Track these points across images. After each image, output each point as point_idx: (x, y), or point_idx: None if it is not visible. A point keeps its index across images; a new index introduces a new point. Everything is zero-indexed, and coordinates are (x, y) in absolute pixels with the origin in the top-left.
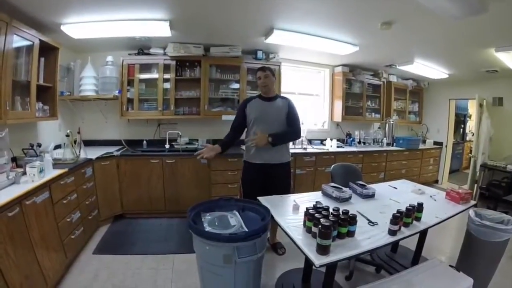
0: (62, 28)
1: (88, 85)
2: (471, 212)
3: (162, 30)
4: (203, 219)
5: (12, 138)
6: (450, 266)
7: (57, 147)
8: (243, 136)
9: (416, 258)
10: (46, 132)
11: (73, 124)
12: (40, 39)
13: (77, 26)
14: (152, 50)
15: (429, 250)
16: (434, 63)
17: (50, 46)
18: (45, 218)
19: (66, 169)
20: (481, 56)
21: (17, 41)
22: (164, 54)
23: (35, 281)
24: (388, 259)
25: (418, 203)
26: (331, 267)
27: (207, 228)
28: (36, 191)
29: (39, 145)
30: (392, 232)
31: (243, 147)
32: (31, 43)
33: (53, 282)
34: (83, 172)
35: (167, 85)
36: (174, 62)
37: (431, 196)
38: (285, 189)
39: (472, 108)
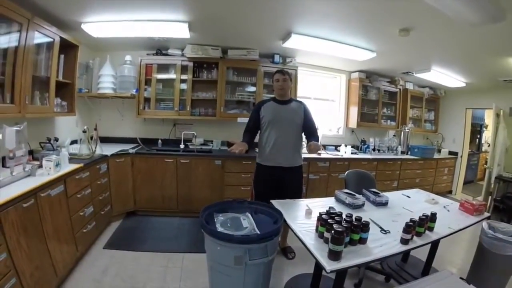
0: (83, 26)
1: (106, 83)
2: (484, 224)
3: (181, 31)
4: (215, 220)
5: (30, 131)
6: (460, 278)
7: (74, 142)
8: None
9: (427, 268)
10: (63, 127)
11: (90, 120)
12: (60, 37)
13: (97, 25)
14: (170, 51)
15: (440, 261)
16: (451, 71)
17: (70, 43)
18: (59, 211)
19: (82, 164)
20: (499, 65)
21: (38, 38)
22: (182, 55)
23: (45, 272)
24: (398, 269)
25: (431, 213)
26: (341, 274)
27: (220, 229)
28: (51, 184)
29: (56, 140)
30: (404, 241)
31: (257, 149)
32: (51, 40)
33: (63, 274)
34: (98, 168)
35: (184, 86)
36: (191, 64)
37: (444, 207)
38: (297, 193)
39: (488, 118)
